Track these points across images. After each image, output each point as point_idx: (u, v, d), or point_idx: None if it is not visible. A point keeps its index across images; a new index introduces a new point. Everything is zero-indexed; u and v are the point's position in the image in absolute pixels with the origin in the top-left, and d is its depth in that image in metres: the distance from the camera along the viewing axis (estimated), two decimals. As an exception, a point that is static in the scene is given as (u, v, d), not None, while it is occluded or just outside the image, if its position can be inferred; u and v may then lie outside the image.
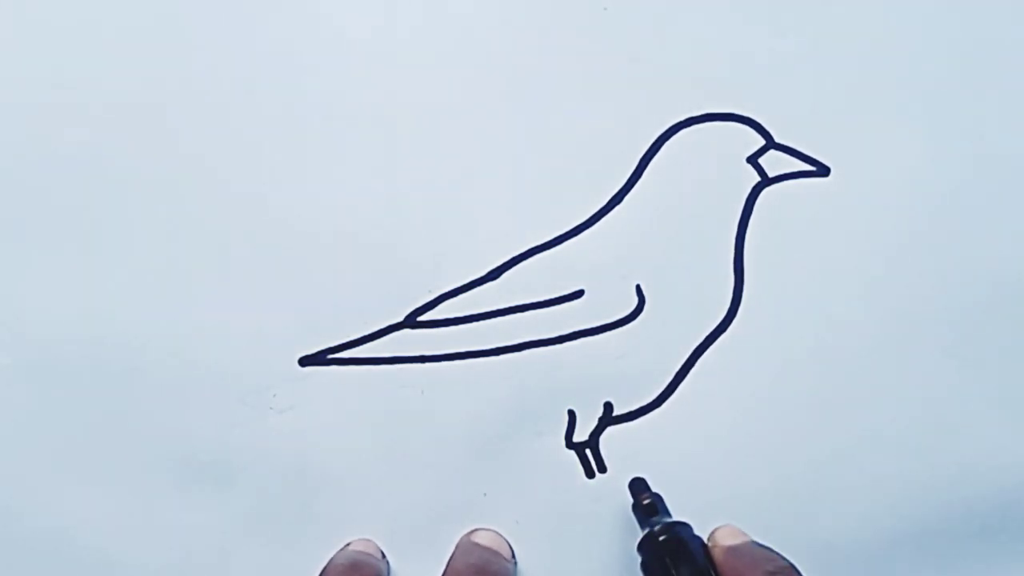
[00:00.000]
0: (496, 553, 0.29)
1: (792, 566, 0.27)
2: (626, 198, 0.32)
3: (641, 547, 0.29)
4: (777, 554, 0.28)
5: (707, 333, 0.32)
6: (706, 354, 0.32)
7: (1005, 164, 0.33)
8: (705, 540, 0.29)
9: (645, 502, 0.30)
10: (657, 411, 0.32)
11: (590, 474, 0.32)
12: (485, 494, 0.32)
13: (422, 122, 0.32)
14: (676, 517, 0.30)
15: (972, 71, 0.33)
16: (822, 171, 0.33)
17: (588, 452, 0.32)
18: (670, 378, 0.32)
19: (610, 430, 0.32)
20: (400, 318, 0.32)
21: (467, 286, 0.32)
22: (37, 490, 0.31)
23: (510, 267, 0.32)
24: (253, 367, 0.31)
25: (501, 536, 0.31)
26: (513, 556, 0.31)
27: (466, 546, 0.30)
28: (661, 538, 0.28)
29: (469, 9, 0.32)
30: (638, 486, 0.31)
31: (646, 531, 0.29)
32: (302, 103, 0.32)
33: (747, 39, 0.33)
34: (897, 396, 0.33)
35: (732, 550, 0.28)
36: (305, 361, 0.31)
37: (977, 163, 0.33)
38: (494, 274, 0.32)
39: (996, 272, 0.33)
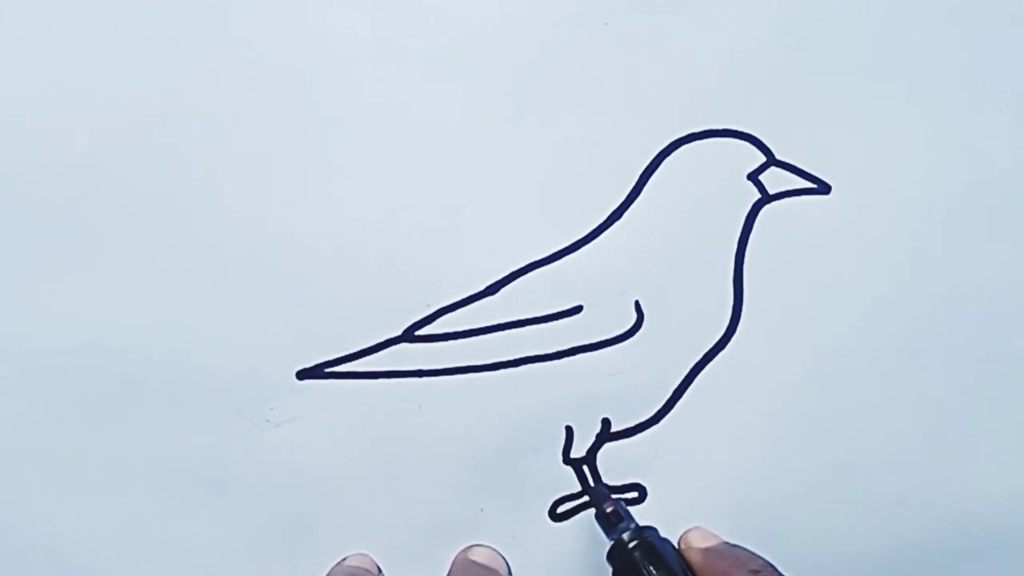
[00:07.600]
0: (492, 572, 0.29)
1: (772, 565, 0.27)
2: (626, 214, 0.32)
3: (611, 556, 0.28)
4: (754, 553, 0.28)
5: (706, 350, 0.32)
6: (705, 371, 0.32)
7: (1005, 181, 0.33)
8: (676, 544, 0.29)
9: (608, 510, 0.29)
10: (655, 428, 0.32)
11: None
12: (482, 510, 0.32)
13: (421, 136, 0.32)
14: (662, 531, 0.30)
15: (972, 88, 0.33)
16: (823, 189, 0.33)
17: (585, 468, 0.32)
18: (668, 395, 0.32)
19: (608, 446, 0.32)
20: (398, 332, 0.32)
21: (466, 300, 0.32)
22: (32, 502, 0.31)
23: (509, 282, 0.32)
24: (250, 380, 0.31)
25: (498, 553, 0.31)
26: (510, 573, 0.31)
27: (462, 564, 0.30)
28: (632, 544, 0.28)
29: (469, 24, 0.32)
30: (600, 493, 0.30)
31: (614, 539, 0.28)
32: (302, 117, 0.32)
33: (748, 55, 0.33)
34: (897, 414, 0.33)
35: (710, 551, 0.28)
36: (303, 374, 0.31)
37: (978, 181, 0.33)
38: (493, 289, 0.32)
39: (997, 290, 0.33)
